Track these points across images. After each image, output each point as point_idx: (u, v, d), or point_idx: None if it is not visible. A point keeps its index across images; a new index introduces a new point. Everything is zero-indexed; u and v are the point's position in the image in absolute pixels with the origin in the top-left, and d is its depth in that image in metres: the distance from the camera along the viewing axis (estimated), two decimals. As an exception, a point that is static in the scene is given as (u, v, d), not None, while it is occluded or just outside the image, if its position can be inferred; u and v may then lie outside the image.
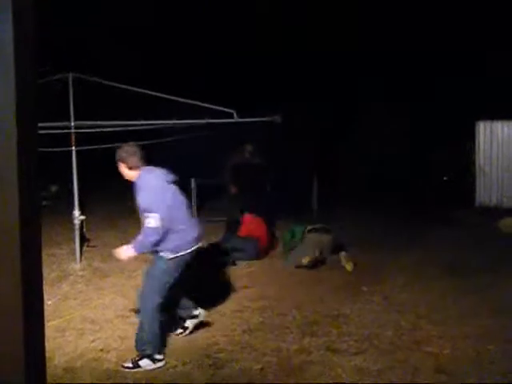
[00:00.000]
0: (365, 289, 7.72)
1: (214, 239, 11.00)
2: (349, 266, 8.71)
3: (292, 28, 16.31)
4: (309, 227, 9.44)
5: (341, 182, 15.11)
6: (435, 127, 15.36)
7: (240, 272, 8.78)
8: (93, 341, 5.98)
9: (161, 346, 5.58)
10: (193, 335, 6.09)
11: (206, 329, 6.28)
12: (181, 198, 5.78)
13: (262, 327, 6.31)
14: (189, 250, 5.66)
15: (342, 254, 8.96)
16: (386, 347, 5.70)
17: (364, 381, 4.92)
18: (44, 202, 14.51)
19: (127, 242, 5.62)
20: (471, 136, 13.94)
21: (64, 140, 9.02)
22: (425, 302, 7.09)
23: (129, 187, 5.76)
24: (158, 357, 5.46)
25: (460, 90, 15.03)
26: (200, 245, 5.90)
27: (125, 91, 8.49)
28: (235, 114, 7.83)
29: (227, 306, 7.04)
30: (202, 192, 13.65)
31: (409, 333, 6.08)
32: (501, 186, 13.60)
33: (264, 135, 11.09)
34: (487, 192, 13.69)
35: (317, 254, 8.89)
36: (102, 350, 5.75)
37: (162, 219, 5.36)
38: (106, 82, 8.64)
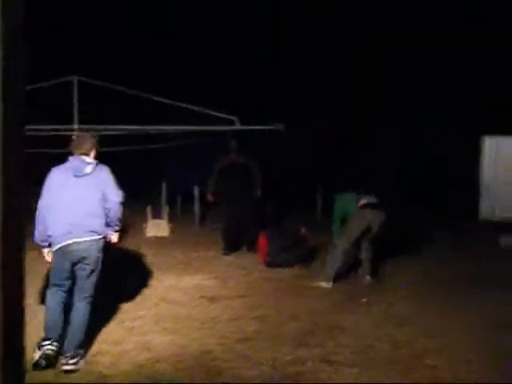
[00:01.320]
0: (364, 300, 7.67)
1: (214, 248, 10.95)
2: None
3: (302, 34, 16.35)
4: (362, 201, 8.48)
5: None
6: (442, 142, 15.34)
7: (240, 279, 8.75)
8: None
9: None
10: (186, 342, 6.05)
11: (200, 336, 6.24)
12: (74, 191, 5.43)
13: (257, 336, 6.25)
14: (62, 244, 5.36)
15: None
16: (382, 360, 5.64)
17: (357, 393, 4.87)
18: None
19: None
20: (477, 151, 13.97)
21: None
22: (424, 315, 7.03)
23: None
24: None
25: (467, 105, 15.02)
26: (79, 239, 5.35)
27: (127, 95, 8.50)
28: (236, 121, 7.81)
29: (223, 314, 7.00)
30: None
31: (406, 346, 6.02)
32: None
33: (268, 144, 10.96)
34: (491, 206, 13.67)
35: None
36: (96, 353, 5.72)
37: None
38: (110, 86, 8.65)
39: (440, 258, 10.04)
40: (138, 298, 7.61)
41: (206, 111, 7.86)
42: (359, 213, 8.45)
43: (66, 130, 8.66)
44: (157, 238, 12.08)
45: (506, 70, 14.71)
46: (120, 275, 8.69)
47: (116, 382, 5.10)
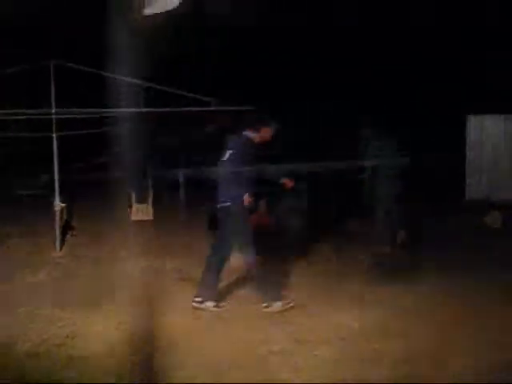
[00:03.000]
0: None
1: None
2: None
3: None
4: None
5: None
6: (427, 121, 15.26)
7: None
8: (60, 327, 5.94)
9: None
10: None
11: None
12: None
13: (232, 317, 6.29)
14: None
15: None
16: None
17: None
18: (33, 191, 14.42)
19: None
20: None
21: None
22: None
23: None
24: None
25: (451, 85, 14.95)
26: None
27: (106, 78, 8.43)
28: (212, 102, 7.76)
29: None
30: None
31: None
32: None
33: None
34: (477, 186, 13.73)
35: None
36: (67, 336, 5.71)
37: None
38: (88, 69, 8.58)
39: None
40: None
41: (182, 93, 7.80)
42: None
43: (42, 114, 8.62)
44: (141, 221, 12.01)
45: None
46: (98, 259, 8.70)
47: (84, 365, 5.06)
